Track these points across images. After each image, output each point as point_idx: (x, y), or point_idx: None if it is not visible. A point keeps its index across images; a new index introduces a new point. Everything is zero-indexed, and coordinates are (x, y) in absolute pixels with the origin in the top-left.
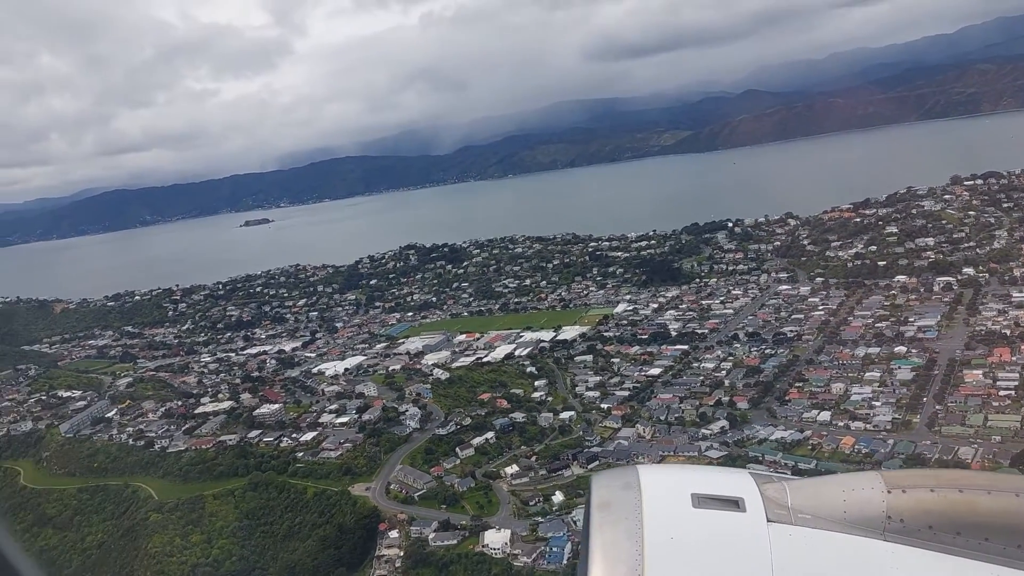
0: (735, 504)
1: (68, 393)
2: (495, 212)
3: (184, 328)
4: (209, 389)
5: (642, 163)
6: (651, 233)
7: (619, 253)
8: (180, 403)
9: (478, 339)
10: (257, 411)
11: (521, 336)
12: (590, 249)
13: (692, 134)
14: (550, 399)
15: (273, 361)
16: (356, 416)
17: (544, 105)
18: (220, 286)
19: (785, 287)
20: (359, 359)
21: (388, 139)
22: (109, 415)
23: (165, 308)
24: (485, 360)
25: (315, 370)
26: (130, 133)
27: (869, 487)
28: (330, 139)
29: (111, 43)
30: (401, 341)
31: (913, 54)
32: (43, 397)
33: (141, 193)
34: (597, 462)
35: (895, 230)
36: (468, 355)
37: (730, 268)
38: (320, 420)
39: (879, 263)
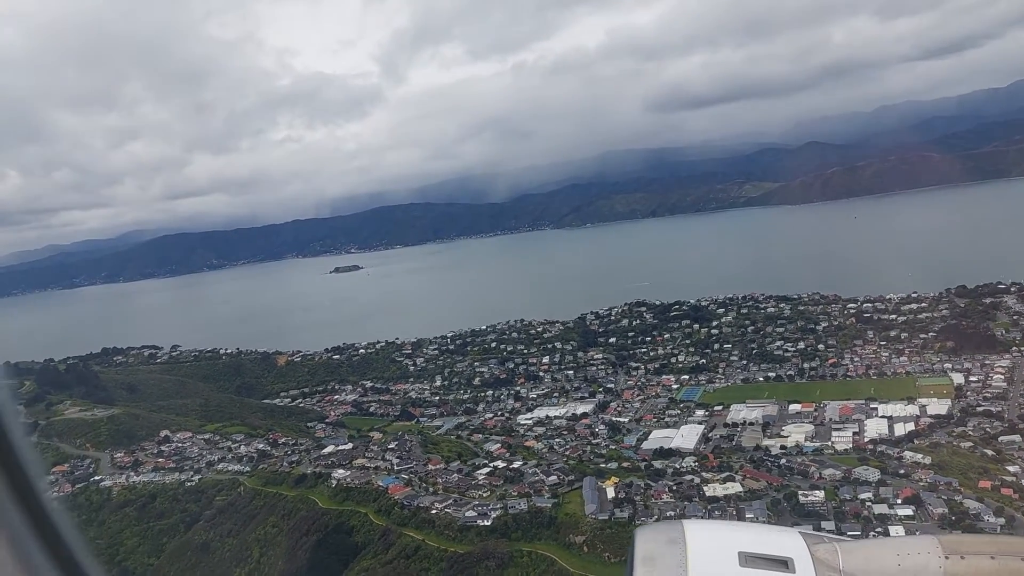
0: (784, 565)
1: (517, 464)
2: (632, 263)
3: (436, 385)
4: (563, 458)
5: (735, 215)
6: (913, 295)
7: (892, 316)
8: (667, 483)
9: (817, 410)
10: (803, 498)
11: (875, 408)
12: (850, 310)
13: (781, 186)
14: None
15: (603, 426)
16: (913, 509)
17: (595, 154)
18: (448, 340)
19: None
20: (697, 428)
21: (439, 185)
22: (610, 492)
23: (401, 363)
24: (873, 437)
25: (654, 437)
26: (197, 178)
27: (926, 552)
28: (384, 185)
29: (218, 91)
30: (716, 407)
31: (969, 108)
32: (498, 468)
33: (204, 237)
34: None
35: None
36: (838, 430)
37: None
38: (871, 512)
39: None
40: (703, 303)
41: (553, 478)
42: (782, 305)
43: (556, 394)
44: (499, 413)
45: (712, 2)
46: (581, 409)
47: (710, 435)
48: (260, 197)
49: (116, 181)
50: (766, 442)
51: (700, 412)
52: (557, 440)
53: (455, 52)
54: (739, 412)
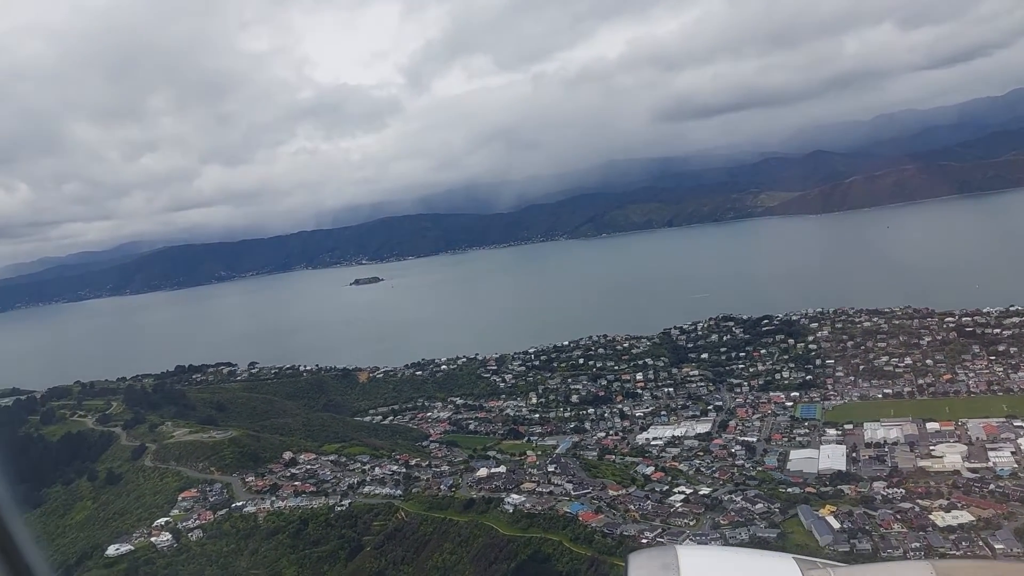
0: None
1: (706, 490)
2: (678, 275)
3: (532, 402)
4: (715, 479)
5: (758, 224)
6: (1012, 308)
7: (995, 330)
8: (887, 511)
9: (958, 428)
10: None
11: (1020, 427)
12: (949, 324)
13: (799, 195)
14: None
15: (738, 447)
16: None
17: (598, 164)
18: (531, 356)
19: None
20: (839, 448)
21: (443, 195)
22: (833, 522)
23: (488, 379)
24: None
25: (795, 458)
26: (203, 190)
27: None
28: (387, 195)
29: (242, 103)
30: (845, 426)
31: (969, 117)
32: (688, 495)
33: (210, 248)
34: None
35: None
36: (993, 450)
37: None
38: None
39: None
40: (793, 317)
41: (760, 506)
42: (876, 319)
43: (663, 412)
44: (611, 432)
45: (739, 12)
46: (698, 428)
47: (855, 455)
48: (261, 208)
49: (124, 193)
50: (921, 463)
51: (831, 431)
52: (696, 461)
53: (482, 63)
54: (875, 431)
